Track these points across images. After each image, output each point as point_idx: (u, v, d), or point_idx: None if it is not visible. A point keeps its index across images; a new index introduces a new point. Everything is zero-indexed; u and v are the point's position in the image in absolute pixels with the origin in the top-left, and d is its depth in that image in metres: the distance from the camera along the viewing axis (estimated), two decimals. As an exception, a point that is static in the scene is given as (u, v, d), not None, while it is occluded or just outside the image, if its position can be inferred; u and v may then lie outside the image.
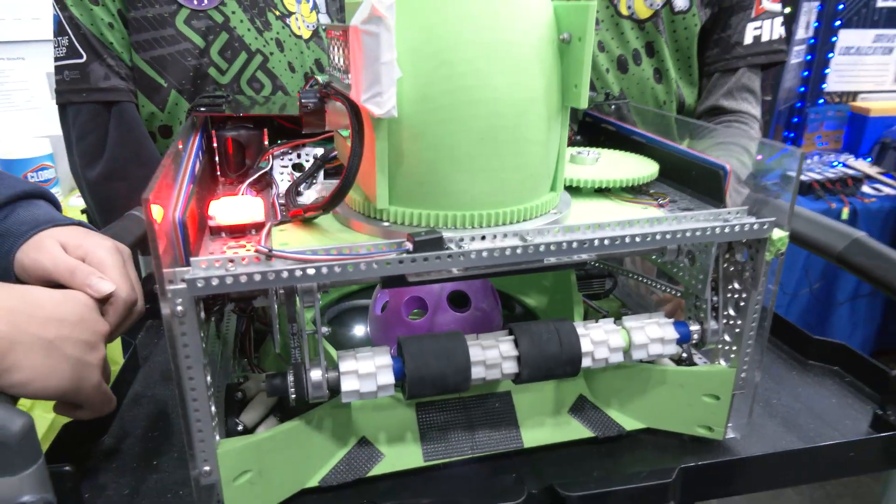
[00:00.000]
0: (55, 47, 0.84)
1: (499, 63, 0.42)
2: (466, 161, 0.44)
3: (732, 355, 0.53)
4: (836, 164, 2.28)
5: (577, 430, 0.55)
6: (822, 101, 2.57)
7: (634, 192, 0.58)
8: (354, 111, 0.44)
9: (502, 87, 0.43)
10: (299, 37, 0.95)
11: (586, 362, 0.49)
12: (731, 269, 0.51)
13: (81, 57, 0.82)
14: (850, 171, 2.10)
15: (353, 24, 0.40)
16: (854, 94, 2.59)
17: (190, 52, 0.85)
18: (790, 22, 2.05)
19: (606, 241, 0.44)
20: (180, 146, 0.49)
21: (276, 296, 0.42)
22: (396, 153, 0.44)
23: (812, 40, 2.44)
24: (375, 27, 0.39)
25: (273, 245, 0.45)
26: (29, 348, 0.42)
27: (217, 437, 0.43)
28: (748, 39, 0.95)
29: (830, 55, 2.51)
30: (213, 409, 0.42)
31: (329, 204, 0.46)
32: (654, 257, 0.57)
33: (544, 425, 0.55)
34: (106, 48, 0.83)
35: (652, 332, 0.51)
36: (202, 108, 0.60)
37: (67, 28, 0.82)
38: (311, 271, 0.40)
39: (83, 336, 0.44)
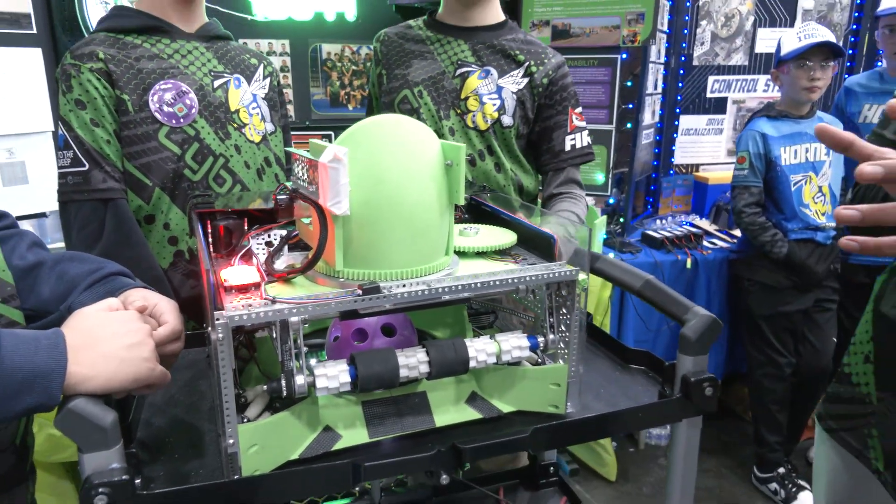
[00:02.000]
0: (59, 158, 1.04)
1: (412, 180, 0.69)
2: (392, 240, 0.70)
3: (565, 356, 0.80)
4: (684, 223, 2.72)
5: (470, 413, 0.79)
6: (672, 171, 3.05)
7: (501, 253, 0.85)
8: (320, 210, 0.69)
9: (415, 194, 0.69)
10: (252, 141, 1.20)
11: (472, 363, 0.75)
12: (559, 299, 0.79)
13: (84, 166, 1.03)
14: (694, 230, 2.52)
15: (322, 161, 0.66)
16: (697, 166, 3.09)
17: (170, 158, 1.08)
18: (637, 112, 2.48)
19: (479, 284, 0.71)
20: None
21: (276, 327, 0.66)
22: (347, 236, 0.70)
23: (659, 124, 2.93)
24: (336, 164, 0.65)
25: (269, 296, 0.68)
26: (97, 362, 0.62)
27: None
28: (567, 147, 1.31)
29: (675, 135, 3.01)
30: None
31: (306, 268, 0.70)
32: (513, 294, 0.84)
33: (449, 412, 0.79)
34: (104, 158, 1.04)
35: (513, 343, 0.77)
36: (202, 206, 0.83)
37: (73, 144, 1.03)
38: (300, 310, 0.64)
39: (132, 340, 0.64)
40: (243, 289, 0.71)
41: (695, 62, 2.93)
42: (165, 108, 1.07)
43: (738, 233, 2.63)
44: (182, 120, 1.08)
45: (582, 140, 1.36)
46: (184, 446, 0.75)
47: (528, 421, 0.80)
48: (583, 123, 1.37)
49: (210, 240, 0.85)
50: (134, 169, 1.06)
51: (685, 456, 0.85)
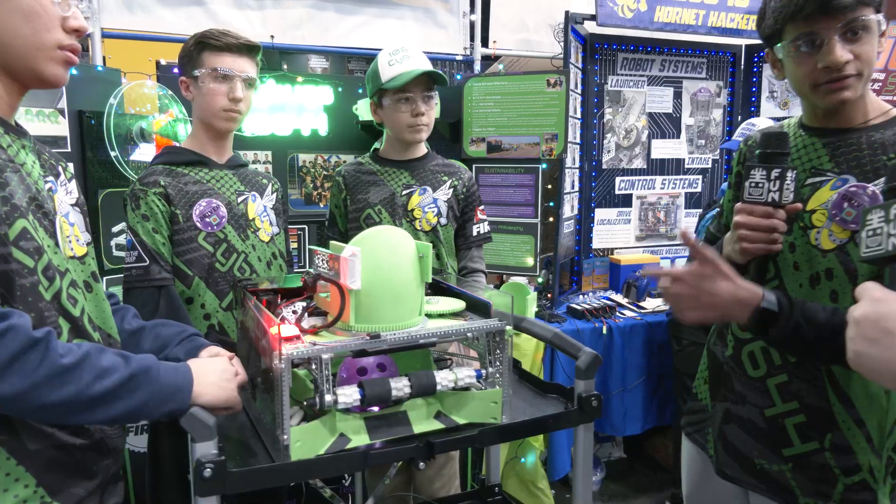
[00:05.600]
0: (127, 257, 1.38)
1: (399, 267, 1.07)
2: (386, 305, 1.07)
3: (500, 383, 1.17)
4: (602, 297, 3.18)
5: (437, 424, 1.13)
6: (591, 255, 3.54)
7: (456, 315, 1.23)
8: (339, 287, 1.06)
9: (401, 275, 1.07)
10: (263, 241, 1.56)
11: (439, 387, 1.11)
12: (494, 344, 1.17)
13: (146, 262, 1.36)
14: (609, 302, 2.97)
15: (343, 255, 1.03)
16: (611, 250, 3.59)
17: (206, 255, 1.43)
18: (558, 207, 2.97)
19: (443, 332, 1.08)
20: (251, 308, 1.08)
21: (318, 361, 1.01)
22: (357, 303, 1.06)
23: (578, 216, 3.44)
24: (353, 258, 1.03)
25: (310, 342, 1.03)
26: (208, 386, 0.95)
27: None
28: (474, 233, 1.78)
29: (592, 225, 3.52)
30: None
31: (331, 325, 1.06)
32: (465, 341, 1.21)
33: (422, 424, 1.13)
34: (160, 256, 1.38)
35: (465, 373, 1.13)
36: (250, 286, 1.18)
37: (138, 246, 1.37)
38: (332, 349, 0.99)
39: (227, 376, 0.98)
40: (289, 339, 1.06)
41: (604, 166, 3.49)
42: (204, 219, 1.43)
43: (646, 304, 3.10)
44: (215, 227, 1.44)
45: (483, 228, 1.91)
46: (239, 451, 1.07)
47: (476, 428, 1.15)
48: (485, 217, 1.93)
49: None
50: (180, 263, 1.40)
51: (583, 451, 1.21)
